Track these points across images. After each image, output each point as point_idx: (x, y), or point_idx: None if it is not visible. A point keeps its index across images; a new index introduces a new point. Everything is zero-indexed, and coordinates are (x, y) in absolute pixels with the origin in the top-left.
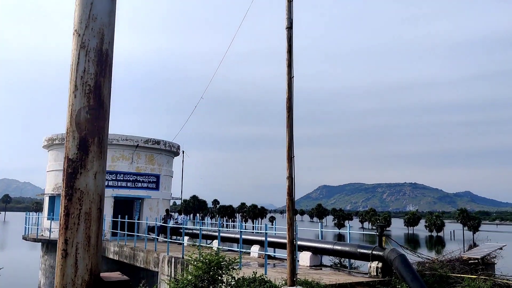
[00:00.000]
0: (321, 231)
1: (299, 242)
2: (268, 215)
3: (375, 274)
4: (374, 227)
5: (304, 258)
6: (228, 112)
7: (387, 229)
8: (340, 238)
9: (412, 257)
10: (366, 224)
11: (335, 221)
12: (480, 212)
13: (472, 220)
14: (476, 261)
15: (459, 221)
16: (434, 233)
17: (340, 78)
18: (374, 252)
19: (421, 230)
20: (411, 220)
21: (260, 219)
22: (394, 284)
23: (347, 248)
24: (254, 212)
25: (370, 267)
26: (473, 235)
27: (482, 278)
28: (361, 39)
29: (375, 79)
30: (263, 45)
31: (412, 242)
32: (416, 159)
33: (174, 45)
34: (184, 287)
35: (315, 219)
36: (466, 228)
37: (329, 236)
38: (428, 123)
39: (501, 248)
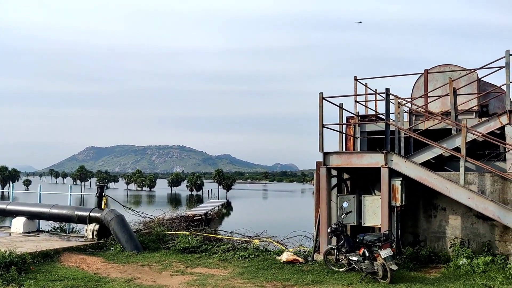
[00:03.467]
0: (40, 194)
1: (11, 207)
2: (23, 178)
3: (91, 237)
4: (139, 188)
5: (17, 225)
6: None
7: (152, 189)
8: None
9: (135, 217)
10: (132, 186)
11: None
12: (236, 173)
13: (226, 179)
14: (200, 217)
15: (215, 181)
16: (195, 192)
17: (113, 36)
18: (91, 214)
19: (183, 189)
20: (175, 180)
21: (11, 183)
22: (108, 246)
23: (64, 211)
24: (4, 175)
25: (87, 230)
26: (227, 193)
27: (193, 234)
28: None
29: (145, 42)
30: None
31: (174, 201)
32: (184, 123)
33: None
34: None
35: (79, 182)
36: (221, 187)
37: (91, 200)
38: (195, 90)
39: (222, 205)
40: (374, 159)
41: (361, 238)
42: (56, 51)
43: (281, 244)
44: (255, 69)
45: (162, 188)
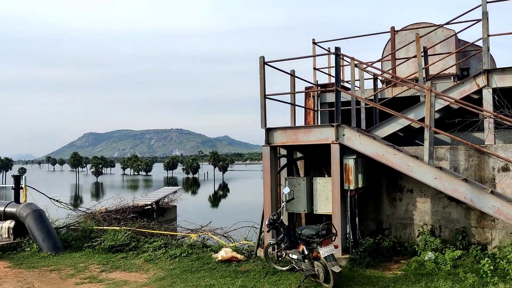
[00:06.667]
0: None
1: None
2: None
3: (6, 236)
4: (136, 173)
5: None
6: None
7: (149, 173)
8: (97, 186)
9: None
10: (128, 171)
11: (92, 170)
12: (235, 154)
13: (222, 161)
14: (150, 206)
15: (211, 163)
16: (191, 175)
17: (104, 20)
18: (7, 209)
19: (180, 173)
20: (171, 164)
21: (5, 172)
22: (24, 246)
23: None
24: None
25: (1, 228)
26: (223, 175)
27: (124, 229)
28: None
29: (138, 25)
30: None
31: (172, 184)
32: (182, 106)
33: None
34: None
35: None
36: (217, 169)
37: (86, 186)
38: (191, 72)
39: (175, 192)
40: (323, 134)
41: (299, 232)
42: (46, 38)
43: (226, 237)
44: (251, 49)
45: (158, 172)
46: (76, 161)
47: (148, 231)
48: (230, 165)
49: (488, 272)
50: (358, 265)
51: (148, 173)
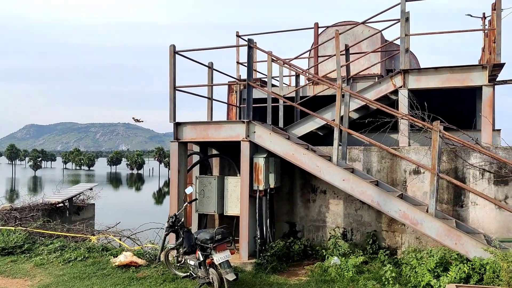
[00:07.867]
0: None
1: None
2: None
3: None
4: (77, 167)
5: None
6: None
7: (91, 168)
8: (35, 180)
9: None
10: (70, 165)
11: (30, 163)
12: None
13: (168, 157)
14: (62, 204)
15: (156, 159)
16: (135, 171)
17: (52, 8)
18: None
19: (124, 168)
20: (114, 159)
21: None
22: None
23: None
24: None
25: None
26: (169, 171)
27: (19, 229)
28: None
29: (87, 15)
30: None
31: (115, 180)
32: (130, 100)
33: None
34: None
35: (17, 161)
36: (162, 165)
37: (22, 180)
38: (141, 65)
39: (91, 189)
40: (234, 131)
41: (195, 236)
42: None
43: (133, 240)
44: (204, 44)
45: (102, 167)
46: (13, 154)
47: (47, 232)
48: None
49: (390, 279)
50: (264, 270)
51: (91, 168)
